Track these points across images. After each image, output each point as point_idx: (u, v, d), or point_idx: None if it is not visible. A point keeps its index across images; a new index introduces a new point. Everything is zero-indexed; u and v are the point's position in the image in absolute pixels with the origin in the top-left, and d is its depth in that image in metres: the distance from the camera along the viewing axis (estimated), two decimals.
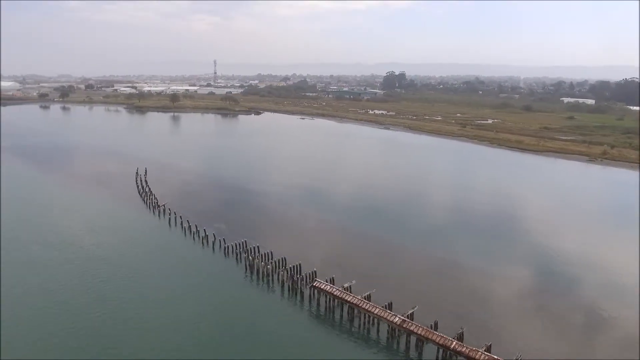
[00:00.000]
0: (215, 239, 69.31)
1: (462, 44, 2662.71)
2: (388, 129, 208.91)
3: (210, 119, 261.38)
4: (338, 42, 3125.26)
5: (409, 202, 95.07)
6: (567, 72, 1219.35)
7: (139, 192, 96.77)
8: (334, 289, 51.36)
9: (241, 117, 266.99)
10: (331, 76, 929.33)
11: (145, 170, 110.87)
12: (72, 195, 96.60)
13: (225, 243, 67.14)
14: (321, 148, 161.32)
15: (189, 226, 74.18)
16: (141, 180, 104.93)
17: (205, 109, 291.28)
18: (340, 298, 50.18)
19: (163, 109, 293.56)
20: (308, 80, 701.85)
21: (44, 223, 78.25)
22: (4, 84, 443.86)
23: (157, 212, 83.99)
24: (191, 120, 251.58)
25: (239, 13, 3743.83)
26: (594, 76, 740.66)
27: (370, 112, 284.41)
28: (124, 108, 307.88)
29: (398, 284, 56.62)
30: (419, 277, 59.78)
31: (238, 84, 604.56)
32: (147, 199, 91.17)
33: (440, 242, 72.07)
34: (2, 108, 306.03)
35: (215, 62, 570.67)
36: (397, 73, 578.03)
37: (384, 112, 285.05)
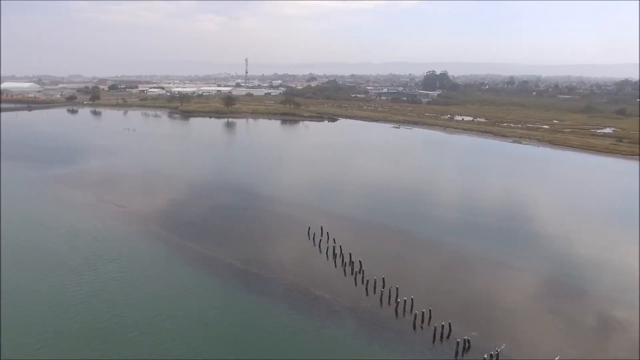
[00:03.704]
0: None
1: (468, 43, 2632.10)
2: (520, 143, 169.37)
3: (285, 127, 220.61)
4: (345, 42, 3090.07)
5: None
6: (581, 70, 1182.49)
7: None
8: None
9: (315, 124, 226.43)
10: (352, 75, 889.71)
11: (324, 232, 70.60)
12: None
13: None
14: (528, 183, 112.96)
15: None
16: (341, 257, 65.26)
17: (267, 114, 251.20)
18: None
19: (216, 114, 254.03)
20: (338, 80, 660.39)
21: None
22: (22, 84, 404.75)
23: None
24: (266, 130, 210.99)
25: (245, 13, 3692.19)
26: (609, 75, 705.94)
27: (456, 118, 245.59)
28: (167, 112, 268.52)
29: None
30: None
31: (266, 84, 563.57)
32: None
33: None
34: (28, 112, 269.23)
35: (246, 60, 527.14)
36: (438, 73, 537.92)
37: (471, 118, 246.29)
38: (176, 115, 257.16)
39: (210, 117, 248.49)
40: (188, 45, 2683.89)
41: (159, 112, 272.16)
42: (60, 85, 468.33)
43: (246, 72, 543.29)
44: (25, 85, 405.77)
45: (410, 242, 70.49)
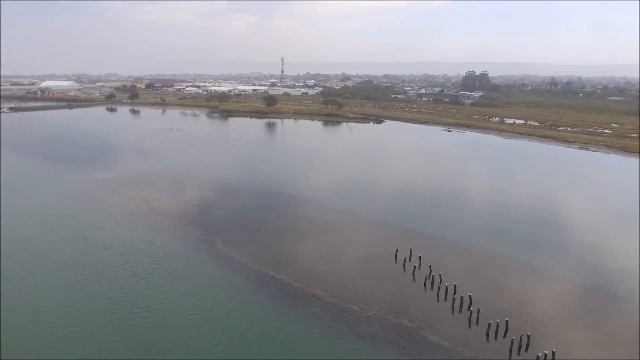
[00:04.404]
0: None
1: (501, 43, 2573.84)
2: (587, 149, 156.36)
3: (332, 129, 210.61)
4: (376, 41, 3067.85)
5: None
6: (623, 70, 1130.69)
7: None
8: None
9: (360, 125, 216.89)
10: (386, 75, 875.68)
11: (413, 255, 61.99)
12: None
13: None
14: None
15: None
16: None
17: (310, 115, 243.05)
18: None
19: (256, 113, 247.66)
20: (372, 80, 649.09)
21: None
22: (63, 83, 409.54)
23: None
24: (313, 132, 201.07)
25: (278, 12, 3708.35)
26: None
27: (506, 120, 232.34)
28: (205, 112, 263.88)
29: None
30: None
31: (300, 84, 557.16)
32: None
33: None
34: (69, 111, 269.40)
35: (282, 59, 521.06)
36: (477, 73, 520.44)
37: (522, 121, 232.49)
38: (215, 115, 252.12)
39: (250, 117, 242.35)
40: (220, 44, 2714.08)
41: (197, 112, 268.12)
42: (99, 84, 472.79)
43: (282, 72, 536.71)
44: (65, 83, 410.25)
45: (514, 266, 60.69)
